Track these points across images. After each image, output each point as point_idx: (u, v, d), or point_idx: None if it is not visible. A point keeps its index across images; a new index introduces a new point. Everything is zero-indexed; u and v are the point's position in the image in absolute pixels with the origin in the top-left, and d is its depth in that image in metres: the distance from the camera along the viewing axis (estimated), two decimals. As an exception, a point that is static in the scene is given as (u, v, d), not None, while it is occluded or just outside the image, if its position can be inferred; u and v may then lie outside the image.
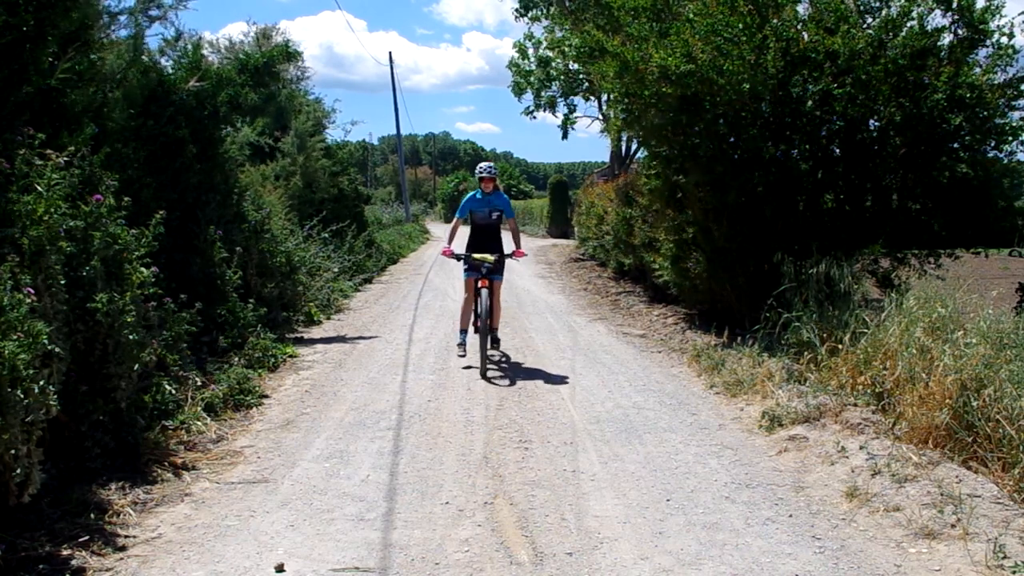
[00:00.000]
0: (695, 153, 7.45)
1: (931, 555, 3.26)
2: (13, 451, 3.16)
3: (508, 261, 7.04)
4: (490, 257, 6.81)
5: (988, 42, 6.71)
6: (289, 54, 8.77)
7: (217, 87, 7.50)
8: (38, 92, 5.12)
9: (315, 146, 15.11)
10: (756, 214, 7.28)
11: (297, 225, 11.40)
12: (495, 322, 7.21)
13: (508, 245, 7.13)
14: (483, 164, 7.16)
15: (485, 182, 6.97)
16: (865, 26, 7.08)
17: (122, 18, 6.78)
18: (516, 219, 7.46)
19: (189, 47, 7.74)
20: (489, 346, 7.04)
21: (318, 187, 14.55)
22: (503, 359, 7.22)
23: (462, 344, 7.14)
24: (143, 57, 7.07)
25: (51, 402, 3.37)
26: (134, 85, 6.70)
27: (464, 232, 7.17)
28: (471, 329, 7.17)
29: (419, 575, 3.17)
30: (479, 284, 6.87)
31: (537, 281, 13.85)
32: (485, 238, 7.07)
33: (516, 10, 21.44)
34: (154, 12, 7.07)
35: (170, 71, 7.52)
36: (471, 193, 7.13)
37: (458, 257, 6.97)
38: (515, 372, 6.73)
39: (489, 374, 6.53)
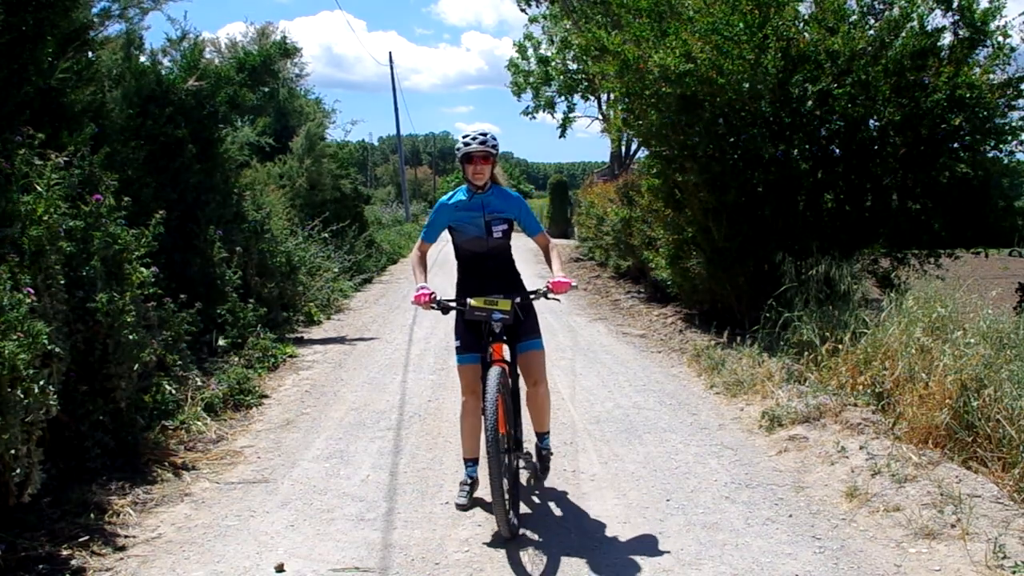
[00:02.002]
0: (695, 153, 7.44)
1: (931, 555, 3.26)
2: (13, 451, 3.16)
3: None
4: (503, 302, 3.55)
5: (988, 42, 6.71)
6: (286, 50, 8.77)
7: (216, 87, 7.50)
8: (38, 92, 5.12)
9: (324, 150, 15.21)
10: (756, 214, 7.28)
11: (298, 226, 11.41)
12: (539, 425, 3.94)
13: (531, 279, 4.15)
14: (469, 133, 3.74)
15: (476, 164, 3.68)
16: (867, 27, 7.08)
17: (115, 11, 6.73)
18: (544, 230, 4.03)
19: (188, 46, 7.74)
20: (532, 480, 3.97)
21: (322, 189, 14.61)
22: (540, 499, 3.95)
23: (467, 484, 3.82)
24: (140, 56, 7.07)
25: (51, 402, 3.37)
26: (132, 84, 6.70)
27: (443, 264, 4.04)
28: (483, 454, 3.51)
29: (419, 575, 3.17)
30: (492, 359, 3.60)
31: (537, 281, 13.80)
32: (485, 274, 3.82)
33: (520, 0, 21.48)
34: (147, 4, 7.03)
35: (168, 71, 7.52)
36: (447, 195, 3.91)
37: (444, 307, 3.68)
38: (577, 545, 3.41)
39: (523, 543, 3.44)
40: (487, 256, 3.80)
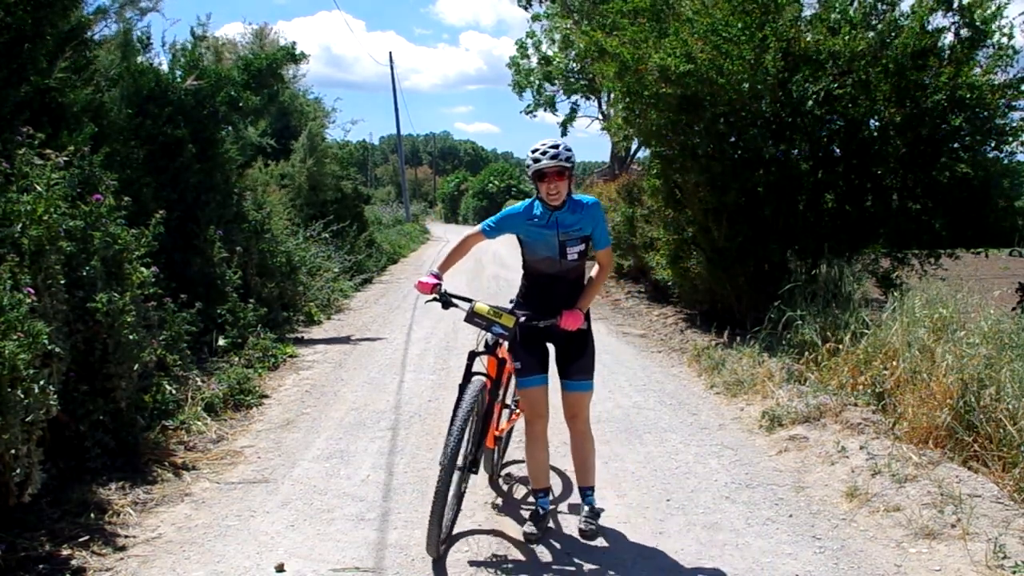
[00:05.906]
0: (695, 153, 7.44)
1: (931, 555, 3.26)
2: (13, 451, 3.15)
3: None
4: (507, 317, 3.27)
5: (989, 42, 6.71)
6: (294, 56, 8.73)
7: (216, 87, 7.49)
8: (37, 91, 5.12)
9: (326, 150, 15.20)
10: (756, 214, 7.28)
11: (300, 226, 11.41)
12: (583, 478, 3.56)
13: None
14: (539, 147, 3.28)
15: (550, 182, 3.25)
16: (868, 27, 7.07)
17: (112, 8, 6.73)
18: (610, 246, 3.63)
19: (188, 45, 7.74)
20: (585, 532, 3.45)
21: (323, 189, 14.62)
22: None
23: (538, 516, 3.53)
24: (137, 56, 7.06)
25: (51, 402, 3.37)
26: (130, 84, 6.70)
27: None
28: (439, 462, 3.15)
29: (419, 575, 3.17)
30: (487, 369, 3.44)
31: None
32: (552, 297, 3.42)
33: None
34: (145, 4, 7.02)
35: (167, 70, 7.50)
36: (521, 203, 3.49)
37: (446, 301, 3.36)
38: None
39: None
40: (558, 279, 3.43)
